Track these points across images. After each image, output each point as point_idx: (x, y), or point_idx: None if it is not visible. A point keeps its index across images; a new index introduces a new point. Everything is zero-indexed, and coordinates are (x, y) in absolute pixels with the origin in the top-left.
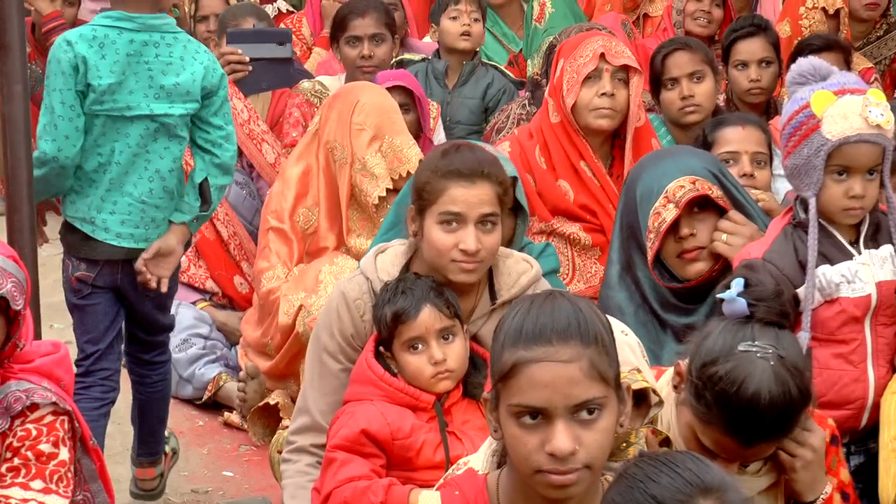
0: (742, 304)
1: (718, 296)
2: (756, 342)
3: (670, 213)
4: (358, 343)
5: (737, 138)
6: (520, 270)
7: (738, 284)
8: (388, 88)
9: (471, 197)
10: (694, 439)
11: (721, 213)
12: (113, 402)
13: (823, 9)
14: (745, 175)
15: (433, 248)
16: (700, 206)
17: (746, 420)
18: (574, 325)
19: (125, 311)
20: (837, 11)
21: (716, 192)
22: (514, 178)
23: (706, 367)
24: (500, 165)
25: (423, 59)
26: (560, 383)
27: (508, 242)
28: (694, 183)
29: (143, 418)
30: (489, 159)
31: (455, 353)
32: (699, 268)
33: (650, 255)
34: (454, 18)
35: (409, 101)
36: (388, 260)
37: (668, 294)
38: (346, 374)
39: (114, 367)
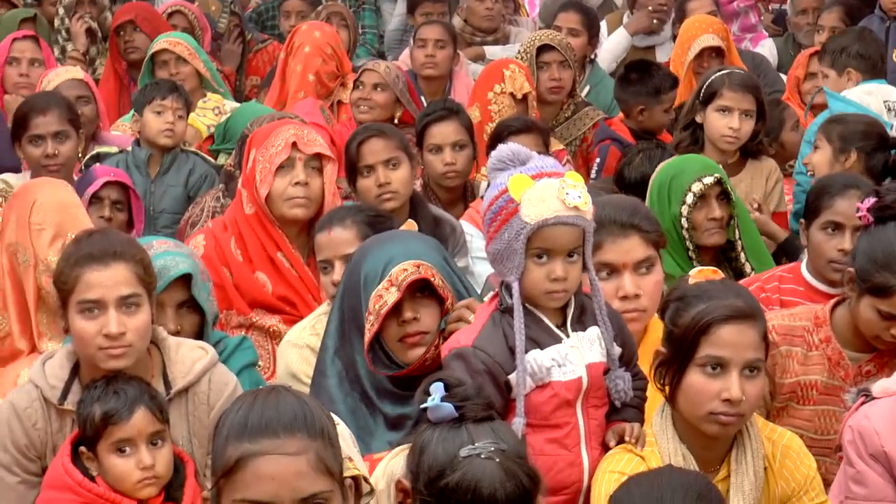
0: (449, 408)
1: (422, 406)
2: (476, 443)
3: (392, 296)
4: (33, 453)
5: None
6: (194, 357)
7: (438, 389)
8: (104, 184)
9: (106, 280)
10: None
11: (442, 300)
12: None
13: (511, 93)
14: None
15: (78, 339)
16: (423, 290)
17: None
18: (300, 418)
19: None
20: (525, 96)
21: (437, 280)
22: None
23: (435, 482)
24: (137, 245)
25: (121, 151)
26: (287, 476)
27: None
28: (418, 267)
29: None
30: (122, 240)
31: (163, 458)
32: (420, 353)
33: (368, 337)
34: (158, 113)
35: (123, 197)
36: (55, 365)
37: (384, 380)
38: (25, 486)
39: None
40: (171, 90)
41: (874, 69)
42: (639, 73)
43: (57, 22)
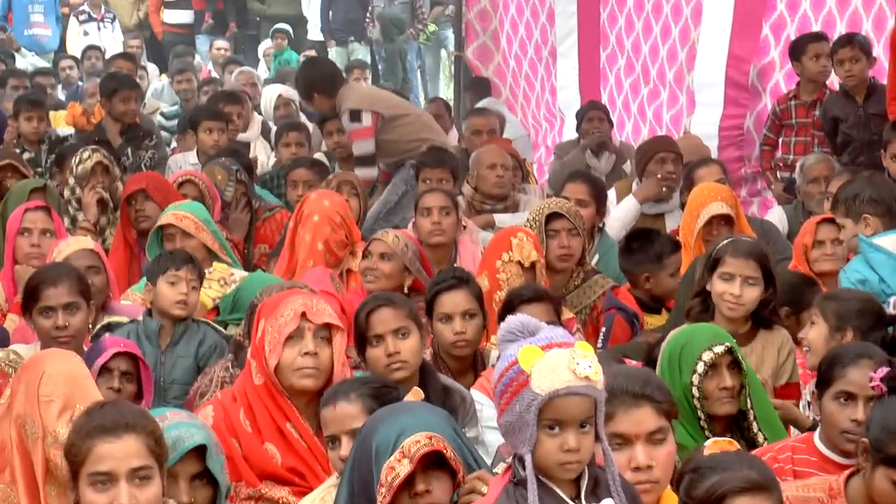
0: None
1: None
2: None
3: (404, 469)
4: None
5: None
6: None
7: None
8: (114, 355)
9: (117, 451)
10: None
11: (454, 472)
12: None
13: (519, 262)
14: None
15: None
16: (434, 462)
17: None
18: None
19: None
20: (533, 264)
21: (450, 453)
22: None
23: None
24: (148, 417)
25: (132, 321)
26: None
27: None
28: (430, 438)
29: None
30: (134, 411)
31: None
32: None
33: None
34: (172, 284)
35: (132, 368)
36: None
37: None
38: None
39: None
40: (185, 261)
41: (890, 213)
42: (639, 241)
43: (67, 193)
